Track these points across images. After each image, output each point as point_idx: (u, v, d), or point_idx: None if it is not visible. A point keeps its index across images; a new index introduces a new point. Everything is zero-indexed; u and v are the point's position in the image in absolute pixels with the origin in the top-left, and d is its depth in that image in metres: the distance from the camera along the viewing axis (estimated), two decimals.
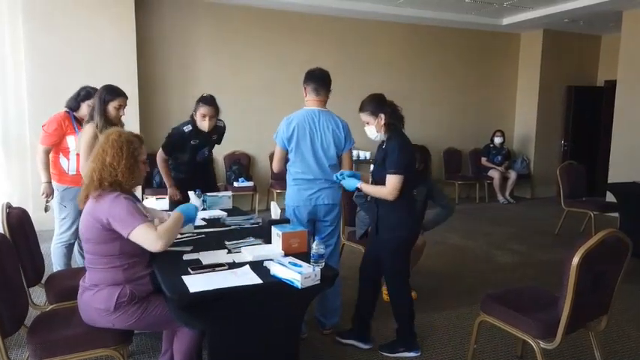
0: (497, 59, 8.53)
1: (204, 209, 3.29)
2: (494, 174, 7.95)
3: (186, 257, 2.25)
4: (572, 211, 5.66)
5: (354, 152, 6.79)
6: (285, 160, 3.09)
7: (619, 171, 6.72)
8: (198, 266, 2.08)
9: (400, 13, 7.14)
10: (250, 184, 6.50)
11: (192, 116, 3.55)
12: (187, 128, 3.54)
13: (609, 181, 6.90)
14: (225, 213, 3.17)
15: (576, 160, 8.46)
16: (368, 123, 2.76)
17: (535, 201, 8.21)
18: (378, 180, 2.74)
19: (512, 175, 8.02)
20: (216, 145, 3.83)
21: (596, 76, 8.63)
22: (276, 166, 3.13)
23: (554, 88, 8.38)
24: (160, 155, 3.62)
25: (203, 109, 3.46)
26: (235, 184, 6.41)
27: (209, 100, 3.50)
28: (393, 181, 2.61)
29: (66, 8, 5.54)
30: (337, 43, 7.36)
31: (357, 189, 2.79)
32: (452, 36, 8.08)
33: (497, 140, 8.09)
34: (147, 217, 2.12)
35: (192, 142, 3.57)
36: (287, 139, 2.99)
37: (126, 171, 2.08)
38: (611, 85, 7.52)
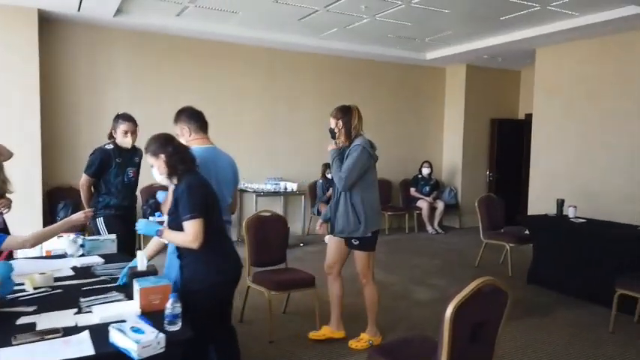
0: (425, 92, 8.73)
1: (82, 255, 2.98)
2: (423, 204, 8.01)
3: (20, 321, 1.95)
4: (491, 243, 5.71)
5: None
6: None
7: (537, 202, 6.92)
8: (26, 334, 1.79)
9: (327, 45, 7.17)
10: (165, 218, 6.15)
11: (110, 135, 3.66)
12: (109, 146, 3.62)
13: (529, 212, 7.11)
14: (103, 260, 2.88)
15: (501, 190, 8.77)
16: (152, 165, 2.44)
17: (462, 231, 8.32)
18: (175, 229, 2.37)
19: (440, 205, 8.10)
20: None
21: (517, 109, 9.00)
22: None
23: (478, 120, 8.64)
24: (84, 179, 3.62)
25: (124, 126, 3.59)
26: (151, 218, 6.03)
27: (128, 116, 3.65)
28: (191, 227, 2.27)
29: None
30: (264, 73, 7.27)
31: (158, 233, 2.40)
32: (380, 69, 8.21)
33: (425, 171, 8.19)
34: None
35: (117, 160, 3.60)
36: None
37: None
38: (530, 118, 7.83)
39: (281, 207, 7.38)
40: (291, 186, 6.83)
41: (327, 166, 7.27)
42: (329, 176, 7.22)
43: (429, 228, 8.05)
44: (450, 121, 8.83)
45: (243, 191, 6.89)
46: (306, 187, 7.53)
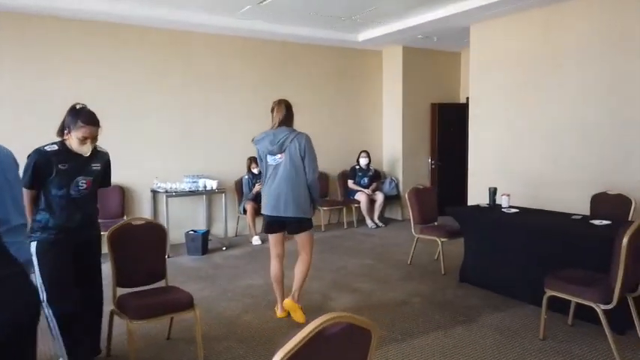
0: (361, 77, 8.18)
1: None
2: (361, 197, 7.49)
3: None
4: (423, 238, 5.23)
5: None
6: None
7: (477, 190, 6.50)
8: None
9: (247, 27, 6.50)
10: None
11: (60, 132, 2.76)
12: (51, 148, 2.75)
13: (469, 202, 6.69)
14: None
15: (445, 178, 8.37)
16: None
17: (404, 223, 7.84)
18: None
19: (379, 197, 7.60)
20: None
21: (458, 92, 8.58)
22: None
23: (418, 105, 8.17)
24: (24, 194, 2.59)
25: (84, 131, 2.71)
26: None
27: (90, 118, 2.74)
28: None
29: None
30: (179, 59, 6.54)
31: None
32: (311, 53, 7.60)
33: (363, 161, 7.67)
34: None
35: (60, 167, 2.72)
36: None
37: None
38: None
39: (203, 207, 6.71)
40: (211, 184, 6.15)
41: (252, 160, 6.65)
42: (255, 171, 6.60)
43: (369, 222, 7.54)
44: (388, 107, 8.33)
45: (155, 192, 6.18)
46: (232, 183, 6.88)
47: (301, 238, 3.73)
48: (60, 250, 2.73)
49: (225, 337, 3.49)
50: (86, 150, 2.75)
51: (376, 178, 7.83)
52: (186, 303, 3.02)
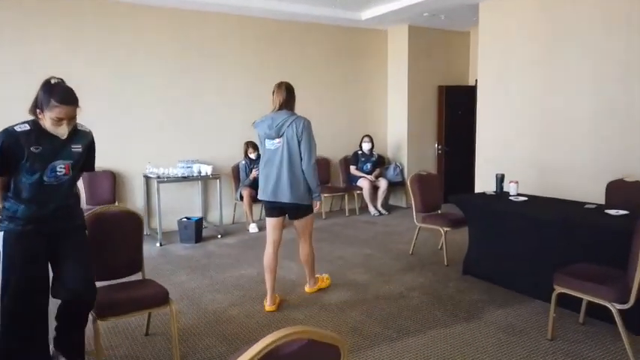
0: (366, 58, 7.83)
1: None
2: (364, 183, 7.20)
3: None
4: (425, 227, 4.95)
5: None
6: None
7: (484, 177, 6.18)
8: None
9: (246, 4, 6.18)
10: None
11: (33, 110, 2.35)
12: (22, 127, 2.35)
13: (476, 190, 6.38)
14: None
15: (452, 164, 8.04)
16: None
17: (409, 210, 7.48)
18: None
19: (383, 184, 7.31)
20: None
21: (467, 74, 8.20)
22: None
23: (424, 88, 7.82)
24: None
25: (58, 111, 2.30)
26: None
27: (68, 96, 2.33)
28: None
29: None
30: (178, 39, 6.24)
31: None
32: (313, 32, 7.26)
33: (366, 146, 7.36)
34: None
35: (32, 149, 2.34)
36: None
37: None
38: None
39: (199, 194, 6.48)
40: (205, 169, 5.90)
41: (248, 145, 6.39)
42: (252, 156, 6.35)
43: (372, 209, 7.27)
44: (393, 90, 7.98)
45: (147, 178, 5.95)
46: (228, 169, 6.64)
47: (299, 224, 3.71)
48: (28, 245, 2.42)
49: (207, 333, 3.27)
50: (62, 132, 2.36)
51: (379, 163, 7.54)
52: (160, 299, 2.78)
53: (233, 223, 6.73)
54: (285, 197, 3.51)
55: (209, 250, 5.38)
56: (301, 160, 3.48)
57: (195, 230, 5.62)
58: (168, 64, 6.21)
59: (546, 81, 5.42)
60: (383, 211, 7.30)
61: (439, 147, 8.02)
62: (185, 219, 5.71)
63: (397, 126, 7.94)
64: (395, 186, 7.65)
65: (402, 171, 7.75)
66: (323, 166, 7.29)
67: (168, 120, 6.26)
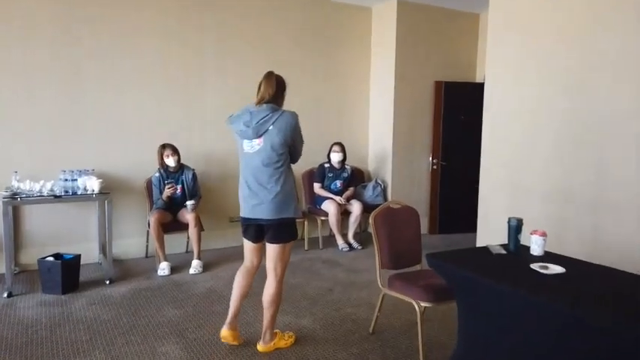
0: (342, 41, 6.05)
1: None
2: (330, 207, 5.40)
3: None
4: (391, 296, 3.13)
5: None
6: None
7: (494, 208, 4.36)
8: None
9: None
10: None
11: None
12: None
13: (479, 217, 4.57)
14: None
15: (450, 184, 6.19)
16: None
17: None
18: None
19: (356, 208, 5.50)
20: None
21: (474, 68, 6.38)
22: None
23: (417, 83, 6.02)
24: None
25: None
26: None
27: None
28: None
29: None
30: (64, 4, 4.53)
31: None
32: (275, 3, 5.50)
33: (335, 157, 5.57)
34: None
35: None
36: None
37: None
38: None
39: (95, 216, 4.71)
40: (92, 185, 4.14)
41: (165, 148, 4.67)
42: (170, 162, 4.67)
43: (340, 242, 5.45)
44: (377, 85, 6.19)
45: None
46: (140, 183, 4.89)
47: (275, 250, 2.89)
48: None
49: None
50: None
51: (353, 180, 5.74)
52: None
53: (146, 256, 4.97)
54: (264, 213, 2.81)
55: (67, 312, 3.57)
56: (289, 161, 2.92)
57: (64, 275, 3.85)
58: (44, 40, 4.48)
59: (577, 80, 3.58)
60: (355, 245, 5.48)
61: (434, 161, 6.19)
62: (50, 258, 3.94)
63: (380, 131, 6.14)
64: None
65: (384, 190, 5.94)
66: None
67: (52, 115, 4.53)
